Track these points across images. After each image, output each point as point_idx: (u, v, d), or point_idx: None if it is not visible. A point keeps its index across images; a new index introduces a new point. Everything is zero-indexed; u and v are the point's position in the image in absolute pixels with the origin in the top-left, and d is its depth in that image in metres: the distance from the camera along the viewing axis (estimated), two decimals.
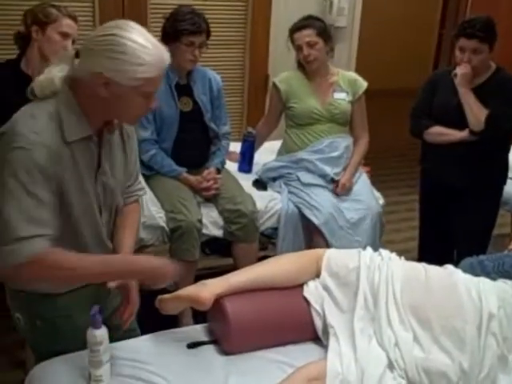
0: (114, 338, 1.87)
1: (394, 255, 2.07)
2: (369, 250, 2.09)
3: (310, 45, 3.03)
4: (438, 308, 1.87)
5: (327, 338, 1.93)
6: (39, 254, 1.53)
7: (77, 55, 1.61)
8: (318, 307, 1.99)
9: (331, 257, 2.06)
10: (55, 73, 1.63)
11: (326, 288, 2.00)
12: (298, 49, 3.08)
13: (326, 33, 3.09)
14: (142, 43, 1.55)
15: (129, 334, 2.00)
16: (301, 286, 2.06)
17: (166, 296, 1.99)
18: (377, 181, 3.44)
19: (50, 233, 1.57)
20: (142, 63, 1.54)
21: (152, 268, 1.72)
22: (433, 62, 8.03)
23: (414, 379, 1.77)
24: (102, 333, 1.71)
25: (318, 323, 1.98)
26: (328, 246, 2.89)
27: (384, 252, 2.07)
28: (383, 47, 7.68)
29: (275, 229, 3.05)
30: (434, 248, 3.28)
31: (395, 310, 1.87)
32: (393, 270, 1.95)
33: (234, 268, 2.95)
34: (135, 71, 1.54)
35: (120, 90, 1.56)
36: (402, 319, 1.86)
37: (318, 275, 2.05)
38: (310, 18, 3.13)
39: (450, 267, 2.07)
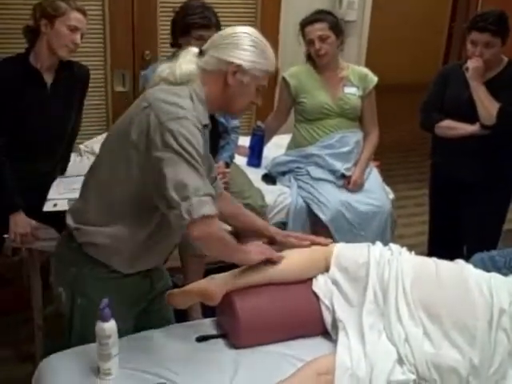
0: (150, 324, 2.02)
1: (404, 250, 2.06)
2: (378, 244, 2.08)
3: (322, 39, 3.01)
4: (448, 303, 1.85)
5: (336, 333, 1.92)
6: (216, 213, 1.69)
7: (200, 52, 1.86)
8: (327, 302, 1.98)
9: (341, 251, 2.05)
10: (188, 63, 1.83)
11: (335, 282, 1.99)
12: (310, 43, 3.06)
13: (338, 27, 3.06)
14: (266, 43, 1.87)
15: (164, 323, 2.08)
16: (310, 280, 2.05)
17: (176, 291, 1.99)
18: (386, 175, 3.42)
19: None
20: (266, 58, 1.85)
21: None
22: (443, 56, 7.96)
23: (424, 374, 1.76)
24: (110, 326, 1.71)
25: (328, 318, 1.97)
26: (334, 241, 2.87)
27: (394, 247, 2.06)
28: (393, 41, 7.64)
29: (284, 223, 3.03)
30: (444, 243, 3.27)
31: (405, 305, 1.86)
32: (403, 265, 1.94)
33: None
34: (262, 64, 1.83)
35: (245, 79, 1.82)
36: (412, 314, 1.85)
37: (327, 270, 2.04)
38: (322, 11, 3.11)
39: (461, 262, 2.05)
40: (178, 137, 1.66)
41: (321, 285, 2.01)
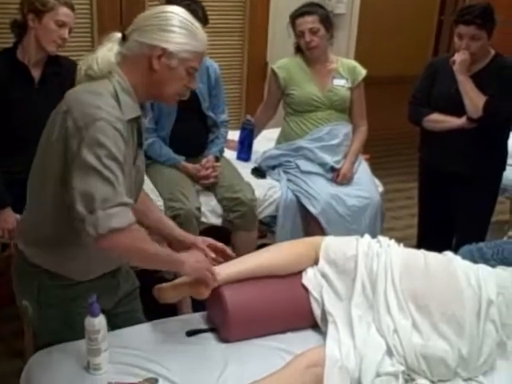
0: (120, 325, 1.96)
1: (392, 242, 2.07)
2: (367, 237, 2.08)
3: (313, 31, 3.02)
4: (437, 295, 1.87)
5: (326, 326, 1.93)
6: (134, 223, 1.59)
7: (123, 37, 1.71)
8: (316, 294, 1.99)
9: (329, 244, 2.05)
10: (106, 52, 1.69)
11: (324, 275, 2.00)
12: (300, 35, 3.06)
13: (328, 20, 3.07)
14: (194, 22, 1.73)
15: (133, 322, 2.03)
16: (300, 273, 2.06)
17: (165, 285, 1.99)
18: (376, 168, 3.43)
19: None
20: (196, 39, 1.71)
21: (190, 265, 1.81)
22: (432, 48, 7.99)
23: (413, 365, 1.77)
24: (100, 321, 1.71)
25: (317, 310, 1.98)
26: (325, 235, 2.88)
27: (382, 239, 2.07)
28: (382, 34, 7.63)
29: (274, 217, 3.05)
30: (433, 235, 3.28)
31: (394, 297, 1.87)
32: (392, 257, 1.95)
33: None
34: (189, 44, 1.69)
35: (172, 62, 1.68)
36: (401, 306, 1.86)
37: (316, 262, 2.05)
38: (312, 4, 3.11)
39: (449, 254, 2.07)
40: (93, 145, 1.55)
41: (310, 278, 2.02)
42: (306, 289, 2.01)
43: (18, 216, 2.55)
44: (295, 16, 3.07)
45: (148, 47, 1.67)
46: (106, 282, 1.89)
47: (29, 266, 1.80)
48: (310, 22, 3.02)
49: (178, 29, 1.68)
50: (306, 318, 2.01)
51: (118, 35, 1.73)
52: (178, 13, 1.72)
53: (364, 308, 1.90)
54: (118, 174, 1.58)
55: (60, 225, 1.70)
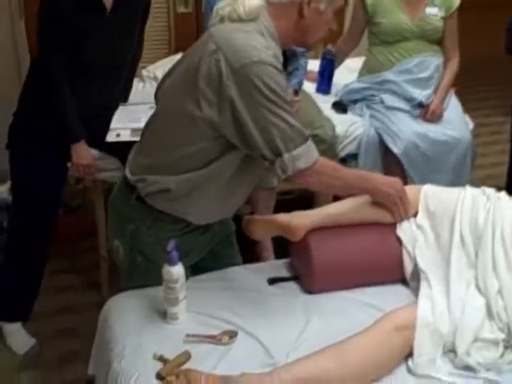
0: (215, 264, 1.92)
1: (503, 194, 1.85)
2: (469, 189, 1.87)
3: None
4: None
5: (418, 282, 1.77)
6: (318, 158, 1.62)
7: None
8: (409, 248, 1.82)
9: (428, 194, 1.86)
10: (249, 1, 1.60)
11: (420, 227, 1.82)
12: None
13: None
14: None
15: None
16: (394, 224, 1.88)
17: (257, 217, 1.90)
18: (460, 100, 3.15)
19: None
20: None
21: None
22: None
23: None
24: (178, 270, 1.63)
25: (409, 266, 1.82)
26: (405, 177, 2.72)
27: (489, 190, 1.85)
28: None
29: (355, 155, 2.87)
30: None
31: (503, 254, 1.68)
32: (502, 211, 1.75)
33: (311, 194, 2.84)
34: None
35: (321, 6, 1.62)
36: (510, 265, 1.67)
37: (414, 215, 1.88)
38: None
39: None
40: (260, 85, 1.50)
41: (405, 229, 1.85)
42: (399, 241, 1.85)
43: (93, 151, 2.48)
44: None
45: None
46: (201, 235, 1.83)
47: (128, 207, 1.74)
48: None
49: None
50: (397, 272, 1.85)
51: None
52: None
53: (464, 263, 1.72)
54: (289, 109, 1.55)
55: (188, 172, 1.65)
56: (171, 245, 1.61)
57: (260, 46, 1.54)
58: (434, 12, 2.85)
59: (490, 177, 3.69)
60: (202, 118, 1.57)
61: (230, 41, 1.55)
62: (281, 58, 1.64)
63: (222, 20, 1.65)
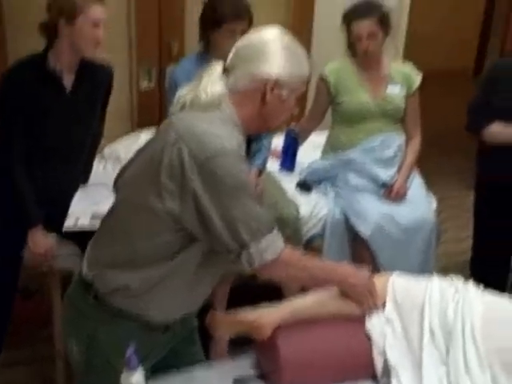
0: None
1: (471, 286, 1.82)
2: (436, 280, 1.83)
3: (371, 35, 2.73)
4: None
5: (388, 377, 1.70)
6: (284, 248, 1.57)
7: (225, 70, 1.63)
8: (380, 343, 1.75)
9: (396, 286, 1.81)
10: (213, 84, 1.60)
11: (389, 321, 1.76)
12: (357, 39, 2.76)
13: (387, 21, 2.78)
14: (296, 44, 1.66)
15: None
16: (363, 317, 1.82)
17: (221, 316, 1.82)
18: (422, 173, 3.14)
19: None
20: (301, 62, 1.64)
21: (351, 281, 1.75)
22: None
23: None
24: (137, 378, 1.51)
25: (379, 362, 1.74)
26: (373, 259, 2.69)
27: (457, 282, 1.82)
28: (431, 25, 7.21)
29: (321, 235, 2.82)
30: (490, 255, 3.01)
31: (474, 351, 1.63)
32: (471, 304, 1.71)
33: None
34: (298, 70, 1.63)
35: (284, 93, 1.61)
36: (482, 363, 1.61)
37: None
38: (371, 4, 2.80)
39: None
40: (224, 176, 1.48)
41: (374, 324, 1.78)
42: (368, 336, 1.78)
43: (52, 240, 2.38)
44: (352, 18, 2.76)
45: (258, 80, 1.59)
46: (162, 335, 1.73)
47: (87, 305, 1.65)
48: (368, 25, 2.71)
49: (284, 55, 1.60)
50: (367, 368, 1.77)
51: (219, 68, 1.64)
52: (279, 37, 1.63)
53: (435, 360, 1.66)
54: (253, 196, 1.55)
55: (159, 261, 1.58)
56: (130, 350, 1.51)
57: (223, 134, 1.53)
58: (395, 91, 2.88)
59: (454, 253, 3.67)
60: (164, 210, 1.52)
61: (191, 129, 1.53)
62: (244, 146, 1.62)
63: (183, 107, 1.63)
